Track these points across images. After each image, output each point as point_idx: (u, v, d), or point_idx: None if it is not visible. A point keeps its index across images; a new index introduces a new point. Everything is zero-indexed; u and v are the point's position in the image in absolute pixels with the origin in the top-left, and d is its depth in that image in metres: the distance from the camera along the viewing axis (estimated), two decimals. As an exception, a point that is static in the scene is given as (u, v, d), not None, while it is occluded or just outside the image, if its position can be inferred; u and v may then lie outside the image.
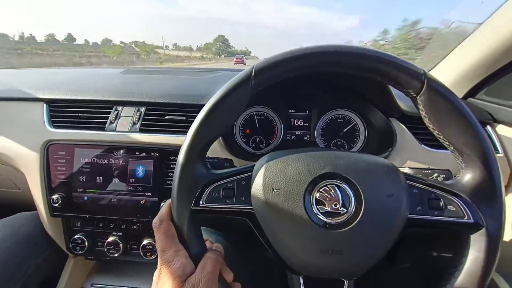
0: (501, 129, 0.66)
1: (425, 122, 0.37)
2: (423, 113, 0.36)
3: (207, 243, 0.42)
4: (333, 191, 0.35)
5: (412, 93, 0.36)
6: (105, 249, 0.71)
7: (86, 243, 0.72)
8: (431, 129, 0.37)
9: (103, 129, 0.70)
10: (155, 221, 0.38)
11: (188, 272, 0.34)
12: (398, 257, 0.73)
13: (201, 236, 0.40)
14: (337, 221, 0.34)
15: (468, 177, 0.35)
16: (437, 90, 0.34)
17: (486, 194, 0.34)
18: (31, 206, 0.73)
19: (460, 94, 0.76)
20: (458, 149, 0.35)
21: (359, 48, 0.36)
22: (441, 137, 0.36)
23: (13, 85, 0.81)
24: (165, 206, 0.40)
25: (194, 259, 0.36)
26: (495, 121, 0.67)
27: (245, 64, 33.14)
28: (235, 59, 37.89)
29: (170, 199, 0.39)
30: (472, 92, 0.75)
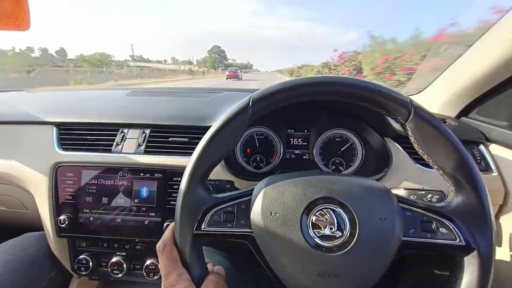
0: (494, 148, 0.67)
1: (415, 147, 0.39)
2: (412, 139, 0.38)
3: (209, 266, 0.44)
4: (328, 215, 0.37)
5: (401, 120, 0.38)
6: (109, 269, 0.73)
7: (91, 264, 0.73)
8: (421, 154, 0.38)
9: (109, 151, 0.73)
10: (159, 245, 0.39)
11: None
12: (401, 276, 0.73)
13: (203, 259, 0.41)
14: (333, 244, 0.36)
15: (458, 200, 0.37)
16: (424, 118, 0.37)
17: (476, 217, 0.35)
18: (39, 226, 0.75)
19: (453, 113, 0.79)
20: (447, 173, 0.37)
21: (350, 78, 0.39)
22: (431, 161, 0.38)
23: (23, 108, 0.85)
24: (168, 230, 0.41)
25: (196, 283, 0.38)
26: (488, 140, 0.69)
27: (240, 79, 28.17)
28: (227, 73, 30.94)
29: (173, 223, 0.41)
30: (465, 112, 0.77)
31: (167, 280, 0.37)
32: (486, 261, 0.34)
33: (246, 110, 0.40)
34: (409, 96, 0.38)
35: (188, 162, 0.40)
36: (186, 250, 0.39)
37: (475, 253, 0.34)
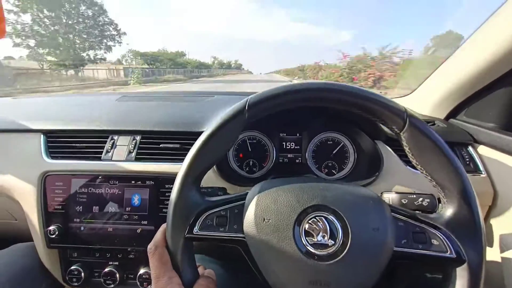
0: (482, 149, 0.68)
1: (409, 156, 0.39)
2: (406, 149, 0.38)
3: (200, 269, 0.43)
4: (321, 222, 0.37)
5: (396, 130, 0.38)
6: (102, 279, 0.71)
7: (83, 274, 0.71)
8: (415, 164, 0.39)
9: (99, 158, 0.72)
10: (150, 247, 0.39)
11: None
12: (395, 279, 0.74)
13: (194, 263, 0.41)
14: (325, 252, 0.36)
15: (450, 212, 0.37)
16: (419, 128, 0.37)
17: (467, 230, 0.36)
18: (28, 237, 0.73)
19: (442, 115, 0.80)
20: (439, 184, 0.37)
21: (346, 86, 0.39)
22: (424, 171, 0.38)
23: (10, 116, 0.82)
24: (160, 232, 0.41)
25: (186, 286, 0.38)
26: (476, 141, 0.70)
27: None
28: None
29: (165, 225, 0.40)
30: (454, 113, 0.78)
31: (157, 283, 0.36)
32: (476, 274, 0.35)
33: (242, 114, 0.39)
34: (399, 99, 0.38)
35: (180, 169, 0.40)
36: (178, 253, 0.39)
37: (465, 265, 0.35)
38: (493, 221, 0.64)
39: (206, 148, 0.39)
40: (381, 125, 0.68)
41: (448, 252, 0.36)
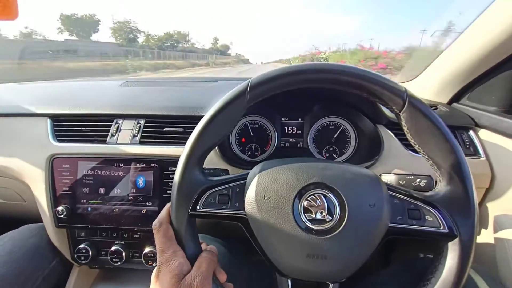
0: (483, 133, 0.69)
1: (407, 136, 0.39)
2: (405, 128, 0.39)
3: (203, 245, 0.45)
4: (319, 199, 0.38)
5: (396, 110, 0.39)
6: (109, 257, 0.74)
7: (90, 253, 0.74)
8: (413, 143, 0.39)
9: (104, 142, 0.73)
10: (155, 223, 0.41)
11: (185, 271, 0.37)
12: (391, 259, 0.76)
13: (197, 238, 0.43)
14: (322, 228, 0.37)
15: (445, 190, 0.38)
16: (418, 108, 0.37)
17: (461, 207, 0.37)
18: (37, 218, 0.76)
19: (445, 99, 0.80)
20: (436, 163, 0.38)
21: (347, 66, 0.39)
22: (421, 151, 0.39)
23: (17, 101, 0.84)
24: (164, 209, 0.43)
25: (190, 259, 0.39)
26: (477, 125, 0.70)
27: None
28: None
29: (169, 203, 0.42)
30: (456, 98, 0.78)
31: (162, 256, 0.38)
32: (467, 248, 0.36)
33: (244, 95, 0.40)
34: (402, 84, 0.39)
35: (183, 150, 0.41)
36: (181, 230, 0.40)
37: (457, 240, 0.36)
38: (489, 204, 0.65)
39: (208, 129, 0.40)
40: (382, 109, 0.69)
41: (441, 228, 0.37)
